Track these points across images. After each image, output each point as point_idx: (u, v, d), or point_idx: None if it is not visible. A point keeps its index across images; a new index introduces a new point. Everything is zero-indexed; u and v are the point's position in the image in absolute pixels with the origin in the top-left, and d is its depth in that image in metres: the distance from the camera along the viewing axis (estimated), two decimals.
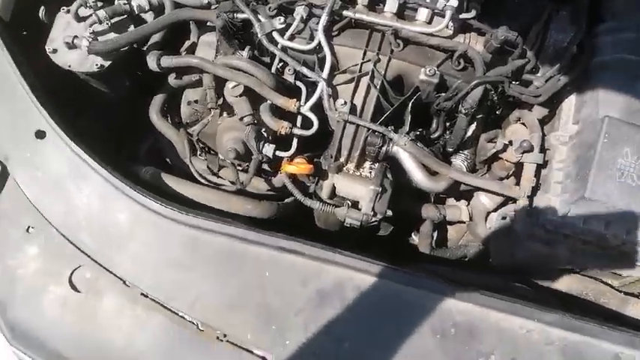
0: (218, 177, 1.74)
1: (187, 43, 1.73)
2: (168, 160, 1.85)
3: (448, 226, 2.00)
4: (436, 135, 1.66)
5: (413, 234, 2.19)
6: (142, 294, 1.36)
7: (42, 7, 1.74)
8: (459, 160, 1.71)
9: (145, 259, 1.38)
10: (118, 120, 1.91)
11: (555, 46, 1.58)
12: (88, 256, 1.38)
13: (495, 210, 1.76)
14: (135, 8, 1.61)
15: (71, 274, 1.37)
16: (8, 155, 1.42)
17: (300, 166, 1.52)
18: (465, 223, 1.86)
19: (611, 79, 1.49)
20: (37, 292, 1.37)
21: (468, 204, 1.84)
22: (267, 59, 1.64)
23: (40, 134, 1.42)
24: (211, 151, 1.79)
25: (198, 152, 1.75)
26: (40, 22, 1.74)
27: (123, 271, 1.37)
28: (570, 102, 1.62)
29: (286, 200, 1.77)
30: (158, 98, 1.73)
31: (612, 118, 1.41)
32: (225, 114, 1.66)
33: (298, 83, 1.60)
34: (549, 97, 1.57)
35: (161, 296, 1.35)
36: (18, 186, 1.41)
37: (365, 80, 1.54)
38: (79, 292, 1.36)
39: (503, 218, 1.72)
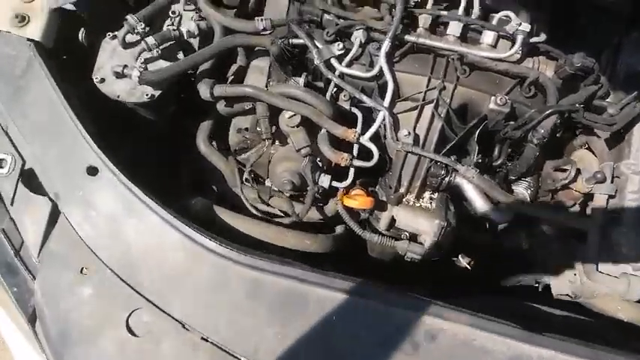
0: (269, 206, 1.67)
1: (234, 68, 1.65)
2: (214, 187, 1.79)
3: None
4: (498, 162, 1.58)
5: (460, 256, 2.11)
6: (203, 338, 1.30)
7: (81, 30, 1.67)
8: (522, 188, 1.63)
9: (203, 302, 1.31)
10: (158, 143, 1.84)
11: (627, 71, 1.50)
12: (145, 298, 1.32)
13: None
14: (184, 34, 1.53)
15: (128, 317, 1.31)
16: (59, 193, 1.36)
17: (360, 200, 1.45)
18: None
19: None
20: (92, 336, 1.30)
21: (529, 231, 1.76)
22: (320, 84, 1.57)
23: (92, 171, 1.36)
24: (259, 178, 1.72)
25: (244, 177, 1.68)
26: (79, 44, 1.67)
27: (181, 313, 1.31)
28: None
29: (338, 231, 1.70)
30: (205, 125, 1.66)
31: None
32: (277, 142, 1.59)
33: (354, 110, 1.53)
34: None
35: (222, 341, 1.29)
36: (70, 225, 1.35)
37: (429, 108, 1.46)
38: (136, 336, 1.30)
39: None
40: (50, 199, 1.35)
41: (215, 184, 1.78)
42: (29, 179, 1.37)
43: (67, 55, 1.66)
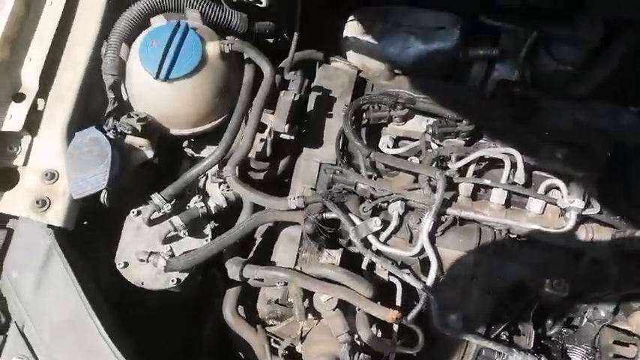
0: None
1: (261, 229, 1.57)
2: (240, 354, 1.65)
3: None
4: (552, 332, 1.45)
5: None
6: None
7: (103, 191, 1.60)
8: (579, 357, 1.48)
9: None
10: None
11: None
12: None
13: None
14: (212, 209, 1.46)
15: None
16: None
17: None
18: None
19: None
20: None
21: None
22: (356, 249, 1.46)
23: None
24: (291, 347, 1.59)
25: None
26: (102, 207, 1.60)
27: None
28: None
29: None
30: (232, 293, 1.55)
31: None
32: (310, 316, 1.47)
33: (392, 279, 1.42)
34: None
35: None
36: None
37: (478, 287, 1.35)
38: None
39: None
40: None
41: (241, 351, 1.65)
42: None
43: (87, 220, 1.59)
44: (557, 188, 1.37)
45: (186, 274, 1.41)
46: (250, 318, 1.58)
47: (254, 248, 1.57)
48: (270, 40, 1.74)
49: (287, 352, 1.50)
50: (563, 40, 1.51)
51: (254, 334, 1.53)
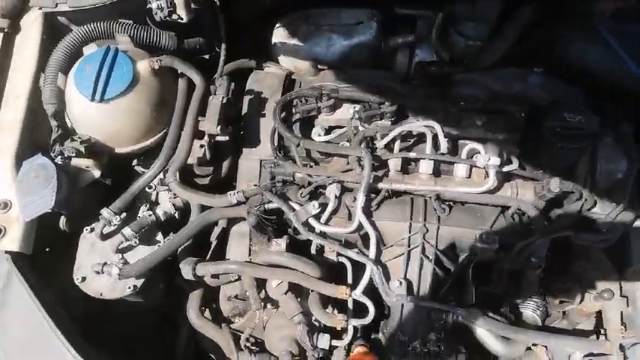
0: None
1: (216, 231, 1.65)
2: (212, 356, 1.71)
3: None
4: (499, 289, 1.52)
5: None
6: None
7: (62, 217, 1.67)
8: (530, 310, 1.54)
9: None
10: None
11: (608, 177, 1.48)
12: None
13: None
14: (161, 216, 1.54)
15: None
16: None
17: None
18: None
19: None
20: None
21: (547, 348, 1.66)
22: (302, 236, 1.54)
23: None
24: (258, 340, 1.65)
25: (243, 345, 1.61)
26: (61, 233, 1.67)
27: None
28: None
29: None
30: (195, 296, 1.62)
31: None
32: (269, 305, 1.53)
33: (342, 259, 1.49)
34: None
35: None
36: None
37: (416, 253, 1.42)
38: None
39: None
40: None
41: (210, 351, 1.70)
42: None
43: (49, 245, 1.65)
44: (479, 152, 1.46)
45: (142, 280, 1.47)
46: (216, 319, 1.64)
47: (210, 250, 1.64)
48: (207, 57, 1.85)
49: (250, 344, 1.56)
50: (466, 17, 1.63)
51: (219, 332, 1.59)
